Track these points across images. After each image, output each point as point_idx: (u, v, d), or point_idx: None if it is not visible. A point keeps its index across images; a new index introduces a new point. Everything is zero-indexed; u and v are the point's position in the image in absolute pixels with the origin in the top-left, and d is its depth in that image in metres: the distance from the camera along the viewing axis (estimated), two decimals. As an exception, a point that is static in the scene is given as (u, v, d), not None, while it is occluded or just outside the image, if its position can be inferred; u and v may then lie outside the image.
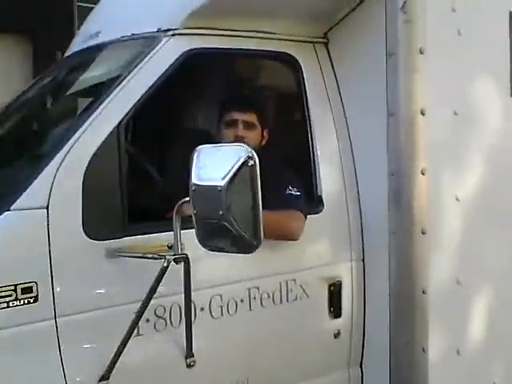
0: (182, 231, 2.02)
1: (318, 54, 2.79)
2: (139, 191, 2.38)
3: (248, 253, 1.84)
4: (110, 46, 2.75)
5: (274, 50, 2.67)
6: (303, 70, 2.71)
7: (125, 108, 2.23)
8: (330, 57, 2.81)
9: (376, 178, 2.63)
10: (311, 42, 2.78)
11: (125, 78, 2.29)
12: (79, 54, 3.00)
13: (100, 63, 2.77)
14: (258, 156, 2.60)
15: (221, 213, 1.79)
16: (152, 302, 2.14)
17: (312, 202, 2.64)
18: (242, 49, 2.59)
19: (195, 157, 1.86)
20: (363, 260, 2.74)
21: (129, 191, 2.23)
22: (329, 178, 2.70)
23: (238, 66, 2.95)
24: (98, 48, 2.84)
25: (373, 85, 2.62)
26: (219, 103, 2.83)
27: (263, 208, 2.29)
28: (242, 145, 1.82)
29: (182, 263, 2.04)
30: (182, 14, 2.48)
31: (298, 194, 2.49)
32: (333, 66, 2.81)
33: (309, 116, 2.68)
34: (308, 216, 2.54)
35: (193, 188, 1.84)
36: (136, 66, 2.32)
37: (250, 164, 1.78)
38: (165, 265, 1.99)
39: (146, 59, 2.34)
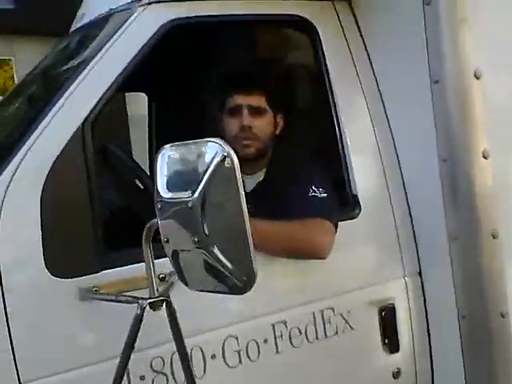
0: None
1: (339, 15, 2.20)
2: (118, 208, 1.88)
3: (240, 293, 1.29)
4: (86, 26, 2.27)
5: (280, 13, 2.10)
6: (321, 36, 2.12)
7: (91, 100, 1.73)
8: (354, 17, 2.22)
9: (427, 167, 2.05)
10: (329, 0, 2.20)
11: (89, 63, 1.79)
12: (60, 41, 2.53)
13: (71, 48, 2.27)
14: (272, 147, 2.07)
15: (195, 239, 1.26)
16: (147, 352, 1.65)
17: (345, 203, 2.06)
18: (239, 15, 2.03)
19: (159, 160, 1.34)
20: (420, 274, 2.13)
21: (104, 208, 1.75)
22: (365, 172, 2.11)
23: (236, 38, 2.39)
24: (77, 31, 2.38)
25: (412, 47, 2.04)
26: (217, 86, 2.29)
27: (279, 216, 1.84)
28: (215, 140, 1.27)
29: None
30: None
31: (325, 195, 1.92)
32: (359, 29, 2.21)
33: (332, 94, 2.10)
34: (340, 223, 1.97)
35: (158, 205, 1.31)
36: (103, 48, 1.81)
37: (227, 165, 1.24)
38: (138, 312, 1.46)
39: (113, 38, 1.82)
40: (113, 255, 1.70)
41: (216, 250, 1.25)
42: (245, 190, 2.08)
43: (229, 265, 1.26)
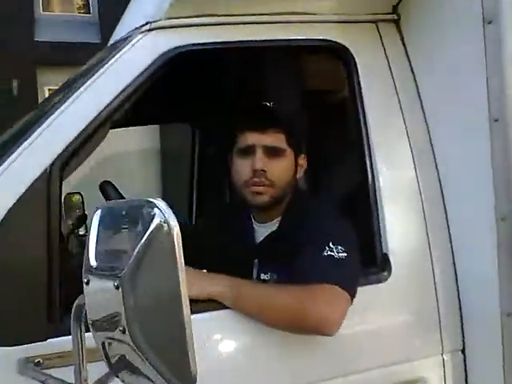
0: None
1: (382, 38, 1.87)
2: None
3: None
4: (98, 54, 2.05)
5: (309, 37, 1.78)
6: (358, 64, 1.79)
7: (64, 138, 1.49)
8: (402, 41, 1.88)
9: (481, 226, 1.68)
10: (372, 22, 1.87)
11: (70, 96, 1.56)
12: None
13: (72, 78, 2.05)
14: (292, 194, 1.75)
15: (120, 329, 0.97)
16: None
17: (371, 264, 1.70)
18: (256, 41, 1.74)
19: (93, 221, 1.06)
20: (463, 351, 1.74)
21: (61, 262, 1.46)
22: (401, 226, 1.74)
23: (253, 67, 2.08)
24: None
25: (469, 79, 1.68)
26: (228, 121, 1.97)
27: (285, 277, 1.60)
28: (154, 201, 0.97)
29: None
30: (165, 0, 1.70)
31: (344, 255, 1.56)
32: (407, 56, 1.87)
33: (367, 132, 1.75)
34: (366, 287, 1.62)
35: (85, 279, 1.03)
36: (88, 80, 1.58)
37: (164, 234, 0.95)
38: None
39: (102, 69, 1.58)
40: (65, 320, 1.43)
41: (146, 347, 0.96)
42: (255, 240, 1.84)
43: (161, 367, 0.96)
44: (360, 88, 1.78)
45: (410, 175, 1.77)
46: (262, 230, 1.79)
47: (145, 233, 0.95)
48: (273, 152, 1.69)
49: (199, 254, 1.93)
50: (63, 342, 1.32)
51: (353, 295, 1.54)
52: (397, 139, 1.79)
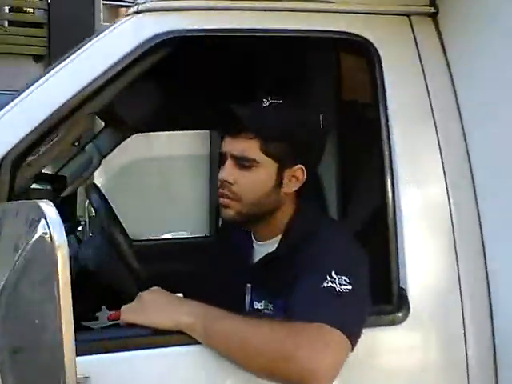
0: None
1: (415, 34, 1.58)
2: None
3: None
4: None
5: (324, 29, 1.51)
6: (383, 61, 1.51)
7: (19, 132, 1.28)
8: (439, 37, 1.59)
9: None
10: (405, 15, 1.59)
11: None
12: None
13: None
14: (295, 209, 1.46)
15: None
16: None
17: (384, 300, 1.40)
18: (261, 30, 1.48)
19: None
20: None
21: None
22: (423, 254, 1.43)
23: (255, 60, 1.81)
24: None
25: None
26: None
27: (279, 310, 1.38)
28: (40, 205, 0.73)
29: None
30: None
31: (348, 288, 1.26)
32: (445, 55, 1.58)
33: (389, 142, 1.46)
34: (376, 330, 1.33)
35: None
36: (58, 66, 1.37)
37: (47, 245, 0.70)
38: None
39: (74, 55, 1.38)
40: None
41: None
42: (252, 261, 1.57)
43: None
44: (384, 90, 1.50)
45: (439, 195, 1.47)
46: (261, 250, 1.52)
47: (27, 241, 0.71)
48: (241, 162, 1.41)
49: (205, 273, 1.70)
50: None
51: (354, 340, 1.23)
52: (426, 152, 1.50)
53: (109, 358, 1.24)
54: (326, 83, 1.87)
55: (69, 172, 2.89)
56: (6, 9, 7.57)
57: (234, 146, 1.41)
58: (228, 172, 1.41)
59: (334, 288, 1.27)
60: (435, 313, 1.41)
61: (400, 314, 1.37)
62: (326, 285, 1.27)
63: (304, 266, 1.33)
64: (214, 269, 1.67)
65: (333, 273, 1.29)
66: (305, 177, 1.45)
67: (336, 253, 1.35)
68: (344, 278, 1.28)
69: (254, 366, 1.22)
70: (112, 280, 1.59)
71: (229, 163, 1.42)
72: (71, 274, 0.76)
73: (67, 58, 1.40)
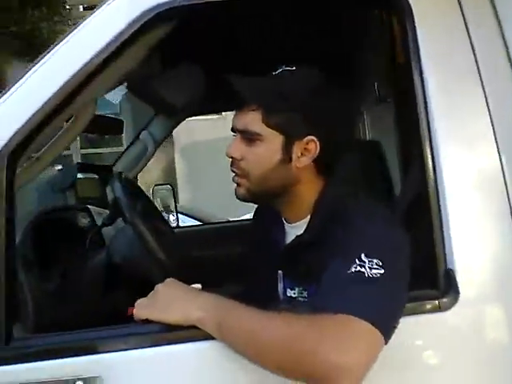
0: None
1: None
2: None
3: None
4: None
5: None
6: (416, 23, 1.29)
7: (14, 124, 1.21)
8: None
9: None
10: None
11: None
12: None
13: None
14: (324, 188, 1.32)
15: None
16: None
17: (430, 283, 1.22)
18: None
19: None
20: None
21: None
22: (473, 230, 1.23)
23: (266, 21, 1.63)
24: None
25: None
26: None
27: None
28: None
29: None
30: None
31: (380, 273, 1.10)
32: (497, 17, 1.33)
33: (426, 116, 1.26)
34: (419, 317, 1.16)
35: None
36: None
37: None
38: None
39: (68, 37, 1.28)
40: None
41: None
42: (283, 243, 1.43)
43: None
44: (419, 59, 1.28)
45: (490, 162, 1.25)
46: (292, 233, 1.38)
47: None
48: (246, 136, 1.30)
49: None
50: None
51: (386, 332, 1.07)
52: (472, 113, 1.29)
53: (120, 357, 1.16)
54: (341, 44, 1.68)
55: (126, 161, 2.87)
56: (81, 7, 7.75)
57: (239, 120, 1.32)
58: (234, 148, 1.32)
59: (363, 273, 1.11)
60: (488, 298, 1.21)
61: (447, 300, 1.19)
62: (353, 270, 1.12)
63: (331, 250, 1.19)
64: (250, 255, 1.56)
65: (362, 255, 1.13)
66: (318, 149, 1.30)
67: (367, 233, 1.19)
68: (375, 260, 1.13)
69: (271, 363, 1.09)
70: (140, 272, 1.51)
71: (236, 139, 1.33)
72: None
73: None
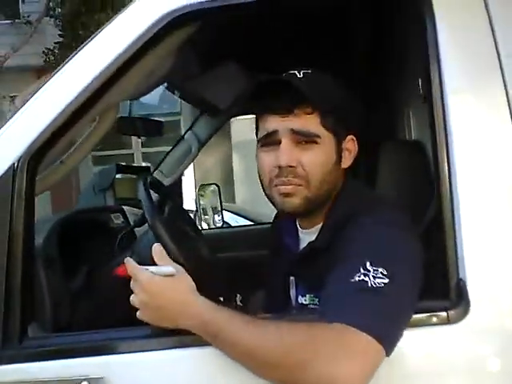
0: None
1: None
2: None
3: None
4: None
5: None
6: (437, 18, 1.25)
7: (33, 130, 1.25)
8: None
9: None
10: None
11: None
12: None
13: None
14: (339, 191, 1.30)
15: None
16: None
17: (440, 294, 1.17)
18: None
19: None
20: None
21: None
22: (486, 238, 1.17)
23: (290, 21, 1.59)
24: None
25: None
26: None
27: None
28: None
29: None
30: None
31: (384, 282, 1.07)
32: None
33: (443, 113, 1.22)
34: (428, 329, 1.13)
35: None
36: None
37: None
38: None
39: (87, 46, 1.31)
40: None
41: None
42: (296, 250, 1.41)
43: None
44: (438, 54, 1.24)
45: (506, 172, 1.20)
46: (305, 239, 1.37)
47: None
48: (303, 139, 1.24)
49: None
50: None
51: (387, 344, 1.05)
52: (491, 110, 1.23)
53: (123, 359, 1.18)
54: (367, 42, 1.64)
55: (170, 161, 2.91)
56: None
57: (291, 122, 1.24)
58: (289, 155, 1.23)
59: (367, 282, 1.09)
60: (501, 310, 1.15)
61: (456, 311, 1.14)
62: (357, 278, 1.10)
63: (339, 257, 1.16)
64: (266, 260, 1.55)
65: (367, 264, 1.11)
66: (356, 148, 1.30)
67: (374, 241, 1.16)
68: (380, 269, 1.10)
69: (268, 376, 1.08)
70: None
71: (285, 144, 1.24)
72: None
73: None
